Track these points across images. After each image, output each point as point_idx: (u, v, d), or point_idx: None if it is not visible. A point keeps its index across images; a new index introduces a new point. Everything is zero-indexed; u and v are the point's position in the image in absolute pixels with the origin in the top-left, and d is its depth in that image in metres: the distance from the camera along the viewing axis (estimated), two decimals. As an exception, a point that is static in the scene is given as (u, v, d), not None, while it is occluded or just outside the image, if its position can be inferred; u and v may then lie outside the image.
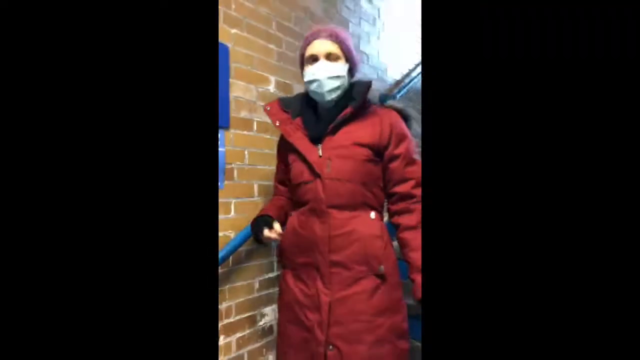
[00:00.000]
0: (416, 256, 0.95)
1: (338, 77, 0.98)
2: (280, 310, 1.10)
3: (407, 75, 2.40)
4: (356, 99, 0.99)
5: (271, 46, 1.38)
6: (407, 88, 2.19)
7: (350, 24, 1.83)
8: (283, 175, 1.11)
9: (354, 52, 1.03)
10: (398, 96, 2.12)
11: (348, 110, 0.98)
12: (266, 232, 0.99)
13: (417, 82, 2.32)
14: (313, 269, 0.99)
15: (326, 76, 0.97)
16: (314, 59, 0.99)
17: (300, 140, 1.01)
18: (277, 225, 1.01)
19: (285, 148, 1.07)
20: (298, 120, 1.04)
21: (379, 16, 2.09)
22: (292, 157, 1.05)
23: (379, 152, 1.00)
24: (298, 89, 1.50)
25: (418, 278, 0.94)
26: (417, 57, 2.51)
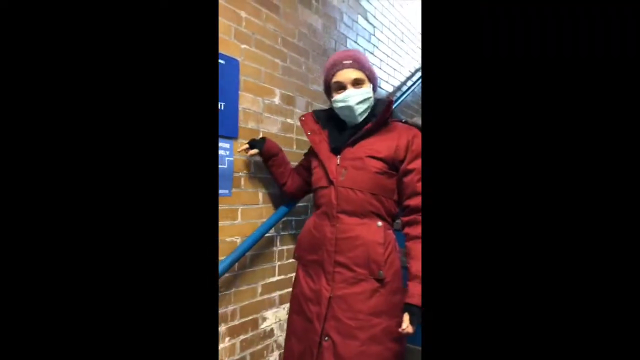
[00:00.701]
0: (414, 264, 1.02)
1: (366, 100, 1.09)
2: (290, 302, 1.21)
3: (399, 88, 2.51)
4: (377, 115, 1.09)
5: (277, 60, 1.45)
6: (400, 100, 2.29)
7: (347, 40, 1.92)
8: (300, 168, 1.32)
9: (374, 72, 1.12)
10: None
11: (368, 126, 1.08)
12: (246, 146, 1.23)
13: (409, 96, 2.43)
14: (320, 267, 1.09)
15: (356, 102, 1.07)
16: (342, 87, 1.09)
17: (323, 150, 1.14)
18: (254, 151, 1.24)
19: (312, 154, 1.22)
20: (326, 132, 1.16)
21: (374, 33, 2.19)
22: (315, 164, 1.17)
23: (394, 166, 1.07)
24: (300, 101, 1.57)
25: (411, 284, 1.01)
26: (408, 71, 2.63)
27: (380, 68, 2.28)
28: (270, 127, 1.42)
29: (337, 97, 1.10)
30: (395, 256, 1.08)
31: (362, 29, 2.05)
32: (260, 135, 1.38)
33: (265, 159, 1.28)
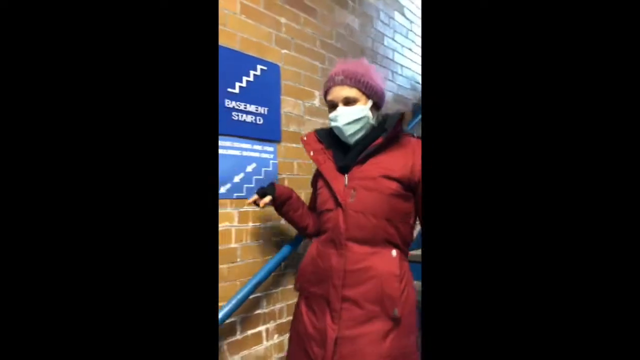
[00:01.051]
0: None
1: (358, 120, 0.97)
2: (290, 338, 1.09)
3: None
4: (388, 130, 0.96)
5: (316, 63, 1.47)
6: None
7: (385, 37, 1.91)
8: (313, 203, 1.16)
9: (377, 85, 1.00)
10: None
11: (378, 141, 0.95)
12: (255, 197, 1.08)
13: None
14: (324, 302, 0.97)
15: (344, 122, 0.96)
16: (333, 105, 0.99)
17: (328, 169, 1.01)
18: (267, 199, 1.07)
19: (318, 176, 1.10)
20: (330, 151, 1.05)
21: (411, 28, 2.15)
22: (320, 184, 1.06)
23: (409, 187, 0.95)
24: (339, 102, 1.59)
25: None
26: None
27: (417, 63, 2.24)
28: (312, 130, 1.45)
29: (330, 115, 1.01)
30: (411, 290, 0.95)
31: (399, 25, 2.03)
32: (305, 137, 1.41)
33: (280, 205, 1.12)
